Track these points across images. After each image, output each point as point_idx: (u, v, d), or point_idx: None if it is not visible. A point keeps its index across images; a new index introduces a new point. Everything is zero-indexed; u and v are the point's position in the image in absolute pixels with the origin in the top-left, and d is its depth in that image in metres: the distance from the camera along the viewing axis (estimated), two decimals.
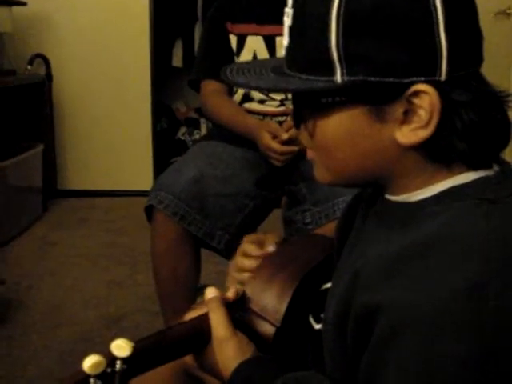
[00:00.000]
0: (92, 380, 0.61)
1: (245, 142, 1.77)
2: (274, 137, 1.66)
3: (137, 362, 0.69)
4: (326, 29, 0.64)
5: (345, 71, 0.64)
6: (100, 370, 0.61)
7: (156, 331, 0.77)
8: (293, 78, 0.69)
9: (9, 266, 2.68)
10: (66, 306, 2.36)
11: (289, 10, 0.69)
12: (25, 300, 2.38)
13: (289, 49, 0.71)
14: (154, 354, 0.74)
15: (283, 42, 0.71)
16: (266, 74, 0.72)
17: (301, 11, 0.68)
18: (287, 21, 0.70)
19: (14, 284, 2.50)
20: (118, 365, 0.64)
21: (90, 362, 0.60)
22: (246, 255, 0.98)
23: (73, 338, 2.08)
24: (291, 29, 0.69)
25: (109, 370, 0.63)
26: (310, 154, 0.76)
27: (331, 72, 0.64)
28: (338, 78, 0.64)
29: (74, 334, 2.12)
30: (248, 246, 0.99)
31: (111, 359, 0.64)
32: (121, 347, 0.64)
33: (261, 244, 0.99)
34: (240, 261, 0.99)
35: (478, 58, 0.67)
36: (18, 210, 3.17)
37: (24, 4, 3.45)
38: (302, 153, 1.64)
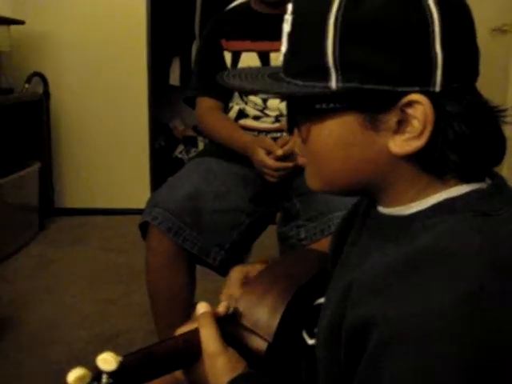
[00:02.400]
0: None
1: (240, 158, 1.77)
2: (269, 153, 1.66)
3: (124, 377, 0.68)
4: (323, 35, 0.64)
5: (340, 78, 0.64)
6: (84, 383, 0.60)
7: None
8: (288, 84, 0.69)
9: (5, 284, 2.67)
10: (61, 324, 2.34)
11: (288, 17, 0.70)
12: (20, 317, 2.36)
13: (286, 55, 0.71)
14: (142, 369, 0.73)
15: (281, 48, 0.72)
16: (261, 79, 0.73)
17: (300, 18, 0.69)
18: (286, 27, 0.70)
19: (9, 301, 2.48)
20: (104, 379, 0.63)
21: (74, 376, 0.59)
22: (231, 298, 0.96)
23: (67, 356, 2.06)
24: (289, 35, 0.70)
25: (94, 383, 0.62)
26: (301, 160, 0.77)
27: (326, 78, 0.65)
28: (333, 84, 0.65)
29: (68, 352, 2.10)
30: (233, 288, 0.97)
31: (97, 373, 0.63)
32: (107, 361, 0.63)
33: (248, 278, 0.99)
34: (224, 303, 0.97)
35: (474, 72, 0.68)
36: (14, 228, 3.16)
37: (22, 23, 3.46)
38: (296, 169, 1.64)
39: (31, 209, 3.41)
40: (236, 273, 1.00)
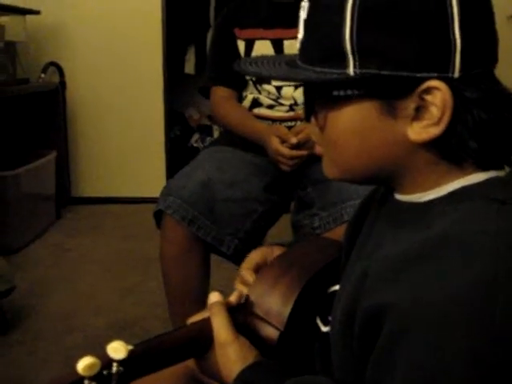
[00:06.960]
0: (86, 382, 0.61)
1: (254, 147, 1.77)
2: (283, 141, 1.65)
3: (135, 365, 0.68)
4: (340, 21, 0.64)
5: (357, 64, 0.64)
6: (94, 371, 0.60)
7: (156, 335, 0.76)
8: (305, 70, 0.69)
9: (22, 273, 2.69)
10: (78, 312, 2.36)
11: (305, 4, 0.70)
12: (37, 306, 2.38)
13: (303, 42, 0.71)
14: (153, 358, 0.73)
15: (298, 35, 0.71)
16: (279, 66, 0.73)
17: (316, 4, 0.68)
18: (303, 14, 0.70)
19: (26, 290, 2.50)
20: (115, 367, 0.64)
21: (83, 364, 0.59)
22: (244, 283, 0.96)
23: (83, 344, 2.08)
24: (306, 22, 0.69)
25: (105, 372, 0.62)
26: (318, 149, 0.76)
27: (344, 64, 0.64)
28: (351, 70, 0.64)
29: (84, 340, 2.12)
30: (246, 273, 0.97)
31: (107, 361, 0.63)
32: (117, 349, 0.64)
33: (265, 262, 0.98)
34: (239, 288, 0.96)
35: (492, 58, 0.67)
36: (31, 217, 3.18)
37: (37, 13, 3.47)
38: (310, 157, 1.64)
39: (48, 198, 3.44)
40: (251, 259, 0.99)
